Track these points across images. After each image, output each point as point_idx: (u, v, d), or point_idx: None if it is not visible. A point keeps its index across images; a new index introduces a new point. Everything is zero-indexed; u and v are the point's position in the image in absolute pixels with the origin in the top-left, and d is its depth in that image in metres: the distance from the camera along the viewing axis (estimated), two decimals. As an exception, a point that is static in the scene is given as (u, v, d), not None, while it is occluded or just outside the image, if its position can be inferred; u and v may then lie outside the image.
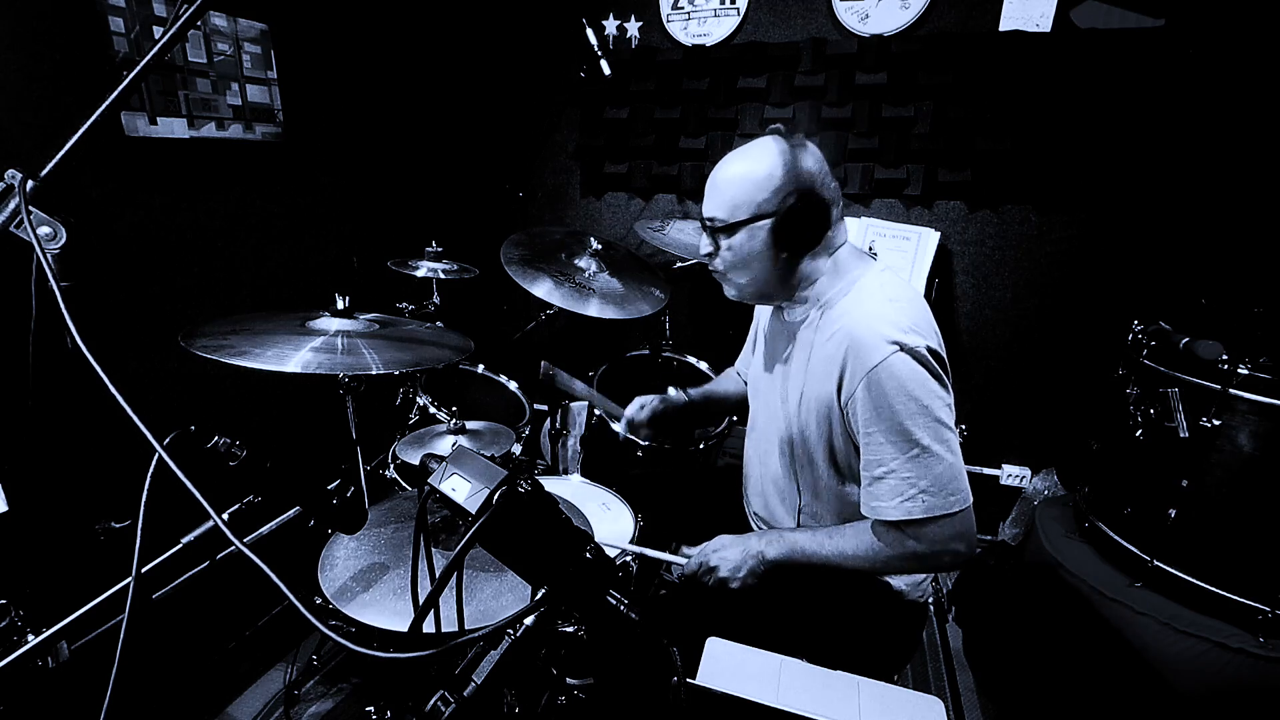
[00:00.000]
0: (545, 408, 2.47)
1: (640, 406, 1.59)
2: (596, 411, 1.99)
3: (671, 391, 1.64)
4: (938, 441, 1.04)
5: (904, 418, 1.03)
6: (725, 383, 1.69)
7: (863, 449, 1.10)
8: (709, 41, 2.59)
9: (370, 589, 1.12)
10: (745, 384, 1.60)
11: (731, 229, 1.14)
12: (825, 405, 1.14)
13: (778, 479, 1.31)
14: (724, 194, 1.14)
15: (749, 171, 1.12)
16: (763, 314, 1.46)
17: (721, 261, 1.20)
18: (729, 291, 1.26)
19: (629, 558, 1.38)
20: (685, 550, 1.29)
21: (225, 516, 0.82)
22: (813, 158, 1.12)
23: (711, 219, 1.17)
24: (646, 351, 2.40)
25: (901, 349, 1.03)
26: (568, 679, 1.18)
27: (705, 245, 1.21)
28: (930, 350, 1.05)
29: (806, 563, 1.17)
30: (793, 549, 1.18)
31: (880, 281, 1.15)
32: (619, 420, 1.62)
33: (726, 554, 1.21)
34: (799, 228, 1.12)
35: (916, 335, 1.05)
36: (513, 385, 2.25)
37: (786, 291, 1.22)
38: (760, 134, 1.21)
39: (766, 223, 1.12)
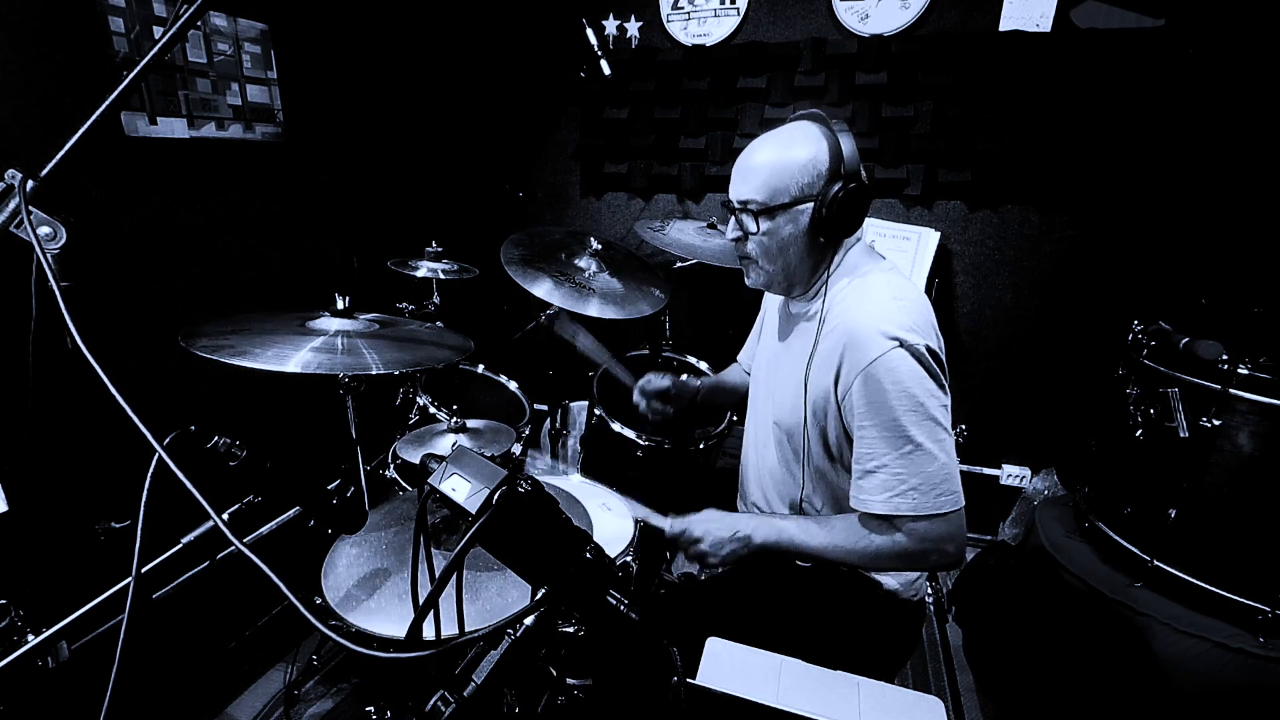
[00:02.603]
0: (545, 408, 2.47)
1: (650, 379, 1.59)
2: (604, 373, 1.98)
3: (684, 378, 1.64)
4: (931, 440, 1.03)
5: (899, 413, 1.03)
6: (731, 374, 1.69)
7: (856, 442, 1.10)
8: (709, 41, 2.59)
9: (374, 595, 1.12)
10: (749, 373, 1.60)
11: (771, 212, 1.13)
12: (822, 397, 1.15)
13: (774, 468, 1.31)
14: (762, 177, 1.12)
15: (792, 154, 1.11)
16: (770, 305, 1.46)
17: (755, 246, 1.18)
18: (755, 279, 1.24)
19: (629, 557, 1.38)
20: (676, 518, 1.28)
21: (225, 516, 0.82)
22: (852, 142, 1.11)
23: (745, 202, 1.14)
24: (646, 351, 2.39)
25: (900, 345, 1.03)
26: (568, 679, 1.18)
27: (733, 230, 1.19)
28: (929, 350, 1.05)
29: (793, 550, 1.16)
30: (780, 536, 1.17)
31: (886, 280, 1.15)
32: (629, 384, 1.62)
33: (712, 527, 1.20)
34: (842, 213, 1.10)
35: (916, 334, 1.05)
36: (513, 385, 2.25)
37: (808, 281, 1.21)
38: (760, 132, 1.20)
39: (808, 207, 1.11)
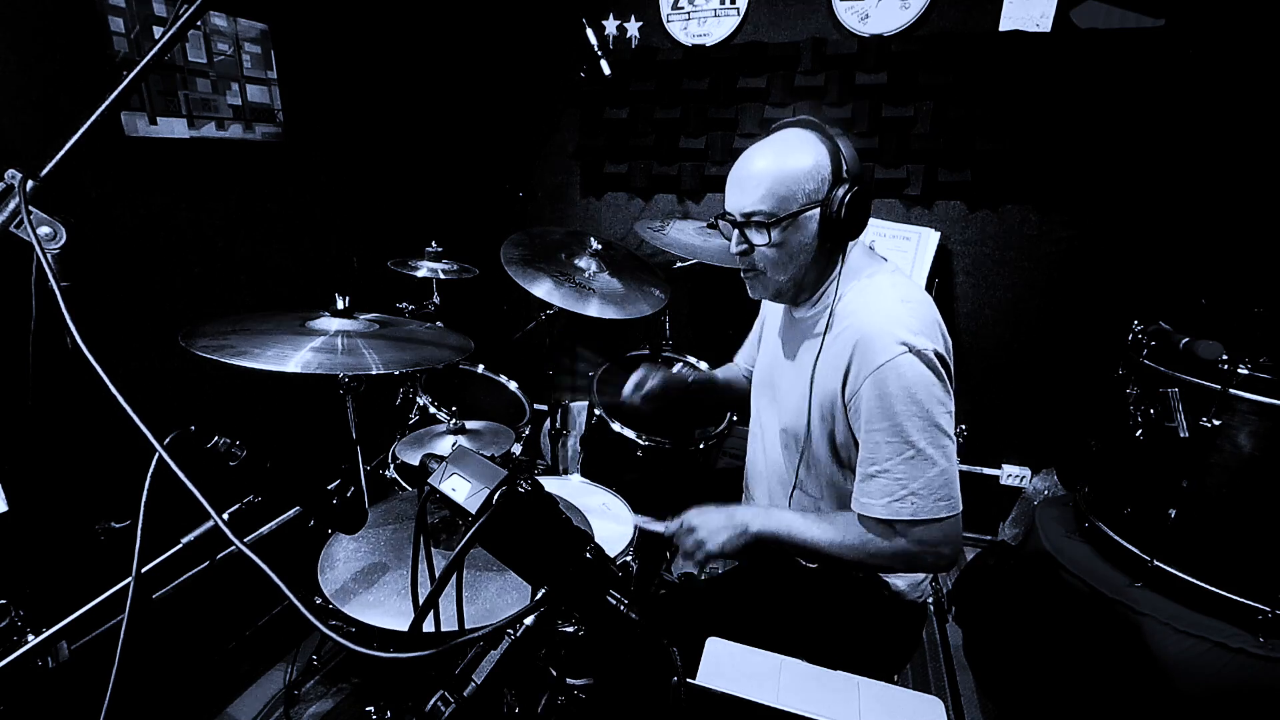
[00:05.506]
0: (545, 408, 2.47)
1: (636, 386, 1.55)
2: (597, 412, 1.97)
3: (677, 368, 1.60)
4: (934, 446, 1.04)
5: (903, 419, 1.03)
6: (728, 371, 1.67)
7: (861, 445, 1.10)
8: (709, 41, 2.59)
9: (371, 589, 1.12)
10: (746, 377, 1.60)
11: (780, 222, 1.11)
12: (829, 401, 1.15)
13: (781, 474, 1.31)
14: (766, 186, 1.10)
15: (794, 162, 1.10)
16: (769, 311, 1.45)
17: (762, 258, 1.16)
18: (761, 290, 1.22)
19: (629, 557, 1.38)
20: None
21: (225, 516, 0.82)
22: (851, 145, 1.11)
23: (751, 214, 1.12)
24: (646, 351, 2.39)
25: (910, 350, 1.04)
26: (568, 679, 1.18)
27: (738, 243, 1.17)
28: (938, 355, 1.05)
29: (790, 542, 1.15)
30: (779, 527, 1.16)
31: (892, 282, 1.15)
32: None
33: (709, 517, 1.19)
34: (849, 216, 1.09)
35: (925, 339, 1.05)
36: (513, 385, 2.25)
37: (815, 287, 1.21)
38: (761, 134, 1.20)
39: (816, 213, 1.11)
